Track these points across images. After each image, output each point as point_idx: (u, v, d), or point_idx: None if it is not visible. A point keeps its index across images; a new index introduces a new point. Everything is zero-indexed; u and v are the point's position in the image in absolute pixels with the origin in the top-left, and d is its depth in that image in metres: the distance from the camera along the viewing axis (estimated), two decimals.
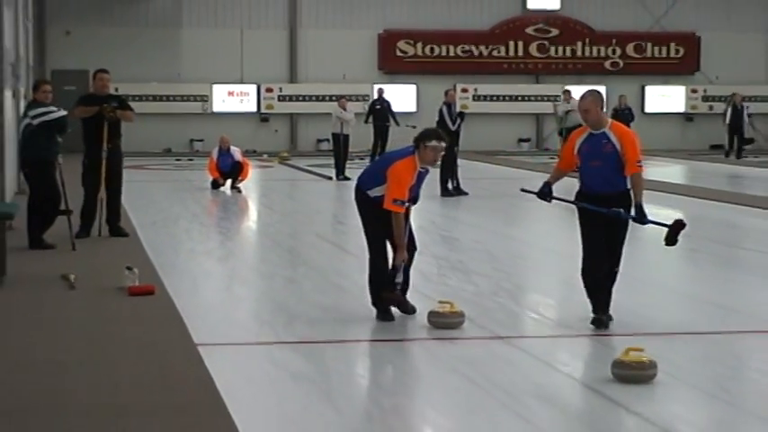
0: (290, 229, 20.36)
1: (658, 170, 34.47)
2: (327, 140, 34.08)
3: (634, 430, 7.95)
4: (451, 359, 9.86)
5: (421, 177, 11.32)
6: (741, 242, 17.54)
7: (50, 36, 40.21)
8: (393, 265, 11.26)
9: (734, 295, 13.48)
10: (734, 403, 8.75)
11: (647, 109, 43.75)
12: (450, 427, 8.05)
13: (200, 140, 39.97)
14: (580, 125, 11.10)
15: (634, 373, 8.89)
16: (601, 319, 10.82)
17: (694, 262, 15.64)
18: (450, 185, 25.35)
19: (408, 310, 11.44)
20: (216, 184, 26.66)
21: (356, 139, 32.32)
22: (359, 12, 42.35)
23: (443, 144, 11.30)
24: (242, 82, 42.00)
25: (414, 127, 37.64)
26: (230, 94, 41.97)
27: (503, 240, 18.80)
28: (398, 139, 36.80)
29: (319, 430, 7.81)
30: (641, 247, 16.07)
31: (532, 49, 43.82)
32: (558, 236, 18.64)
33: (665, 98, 44.48)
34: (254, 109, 42.19)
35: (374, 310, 11.18)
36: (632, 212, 10.82)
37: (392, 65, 42.74)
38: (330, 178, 30.07)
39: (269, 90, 42.15)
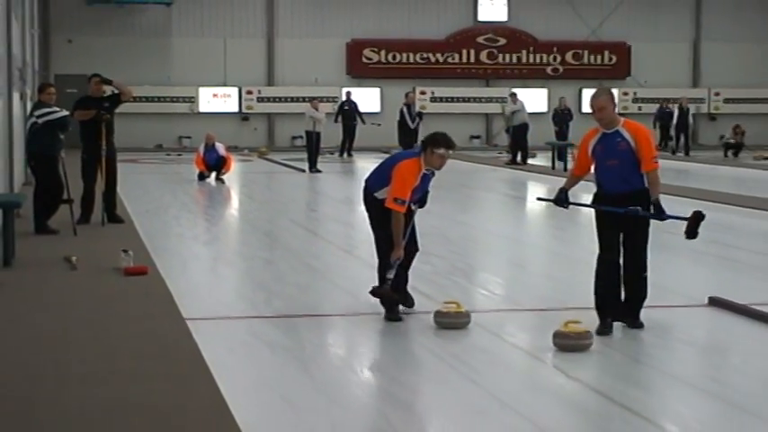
0: (268, 216, 20.32)
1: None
2: (301, 137, 34.03)
3: (573, 394, 7.96)
4: (410, 330, 9.87)
5: (426, 179, 10.27)
6: (670, 227, 17.55)
7: (54, 44, 40.04)
8: (388, 263, 10.26)
9: (662, 274, 13.51)
10: (659, 368, 8.79)
11: (584, 109, 43.79)
12: (408, 389, 8.04)
13: (188, 137, 39.88)
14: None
15: (573, 343, 8.93)
16: (604, 330, 9.54)
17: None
18: None
19: (406, 303, 10.53)
20: (202, 176, 26.64)
21: (327, 137, 32.58)
22: (329, 23, 42.31)
23: (451, 152, 10.18)
24: (225, 85, 41.95)
25: (378, 125, 37.80)
26: (215, 95, 41.94)
27: (457, 226, 18.81)
28: (365, 135, 37.07)
29: (294, 394, 7.80)
30: (579, 230, 16.13)
31: (483, 56, 43.87)
32: (506, 222, 18.70)
33: None
34: (236, 109, 42.18)
35: (371, 299, 10.78)
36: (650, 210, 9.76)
37: (359, 70, 42.76)
38: (303, 171, 30.04)
39: (249, 92, 42.19)
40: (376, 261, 10.49)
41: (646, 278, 9.85)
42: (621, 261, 9.79)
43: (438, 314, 9.87)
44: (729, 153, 37.28)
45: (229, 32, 41.77)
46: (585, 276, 12.86)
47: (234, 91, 42.12)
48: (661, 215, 9.74)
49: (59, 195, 16.20)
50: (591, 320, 9.28)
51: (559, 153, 30.68)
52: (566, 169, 28.54)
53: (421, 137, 25.87)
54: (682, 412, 7.53)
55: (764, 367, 8.69)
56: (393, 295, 10.17)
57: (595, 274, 9.83)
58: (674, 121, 38.45)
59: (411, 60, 43.33)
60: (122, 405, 7.33)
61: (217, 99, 41.97)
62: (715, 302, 10.91)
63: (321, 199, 24.83)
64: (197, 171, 26.83)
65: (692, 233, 9.89)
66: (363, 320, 10.63)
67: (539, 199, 11.94)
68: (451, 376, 8.29)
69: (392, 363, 9.00)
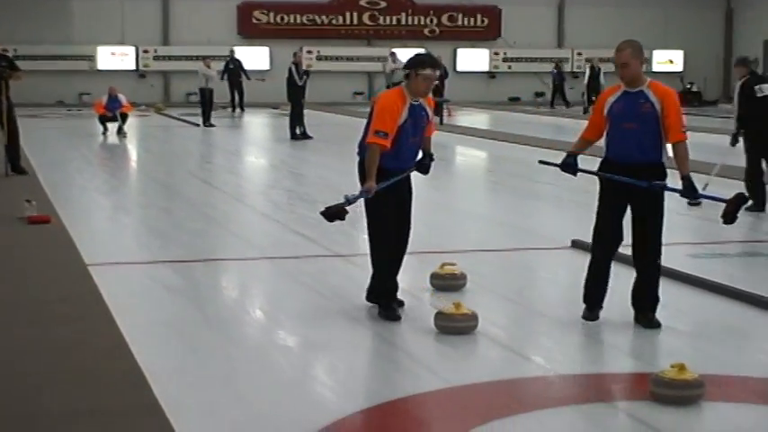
0: (165, 168, 20.13)
1: (468, 118, 34.82)
2: (195, 94, 33.71)
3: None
4: (300, 274, 9.87)
5: (417, 114, 8.08)
6: (536, 177, 17.79)
7: None
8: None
9: (528, 219, 13.70)
10: (527, 306, 8.92)
11: (459, 68, 43.97)
12: (299, 329, 8.06)
13: (88, 94, 39.19)
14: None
15: (448, 283, 9.01)
16: (592, 315, 8.02)
17: (496, 192, 15.85)
18: (297, 131, 25.29)
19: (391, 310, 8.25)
20: (103, 119, 26.43)
21: (219, 93, 32.49)
22: None
23: (437, 73, 8.15)
24: (123, 44, 41.37)
25: (263, 80, 37.57)
26: (113, 54, 41.40)
27: (342, 175, 18.79)
28: (256, 92, 36.84)
29: (189, 332, 7.77)
30: (451, 179, 16.24)
31: (365, 18, 43.78)
32: None
33: (473, 59, 44.81)
34: (134, 67, 41.69)
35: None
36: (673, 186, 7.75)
37: (249, 30, 42.45)
38: (198, 125, 29.82)
39: (146, 51, 41.71)
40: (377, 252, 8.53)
41: (659, 266, 7.95)
42: (631, 249, 8.03)
43: (440, 317, 7.70)
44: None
45: None
46: (460, 222, 13.00)
47: (131, 50, 41.59)
48: (693, 193, 7.65)
49: None
50: (465, 262, 9.34)
51: (435, 107, 30.75)
52: (442, 122, 28.70)
53: (308, 93, 25.94)
54: (548, 346, 7.65)
55: (621, 303, 8.85)
56: (342, 208, 8.23)
57: (588, 267, 8.23)
58: (586, 80, 38.26)
59: (298, 22, 43.10)
60: (25, 345, 7.23)
61: (115, 57, 41.42)
62: (577, 245, 11.06)
63: (215, 151, 24.66)
64: (101, 127, 26.48)
65: (731, 217, 7.52)
66: (255, 264, 10.63)
67: (541, 162, 9.43)
68: (336, 315, 8.31)
69: (281, 303, 9.00)
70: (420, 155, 8.43)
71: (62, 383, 6.42)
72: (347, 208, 8.19)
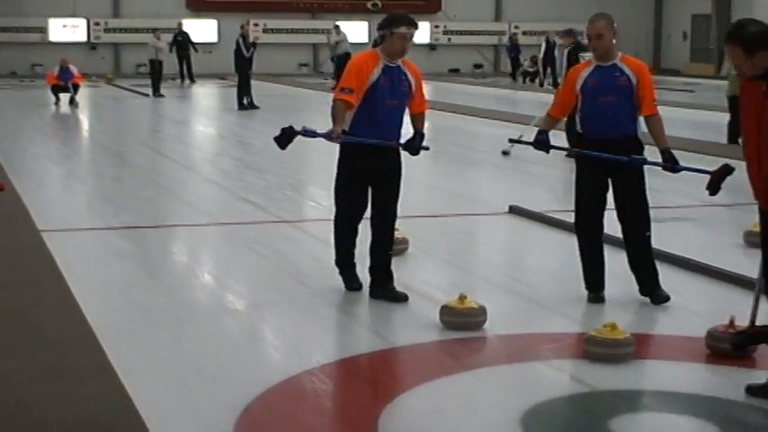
0: (116, 137, 19.95)
1: None
2: (145, 65, 33.43)
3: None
4: (249, 240, 9.83)
5: (395, 77, 7.43)
6: (474, 145, 17.84)
7: None
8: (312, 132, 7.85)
9: (467, 186, 13.74)
10: (466, 269, 8.95)
11: None
12: (247, 292, 8.05)
13: (40, 65, 38.72)
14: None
15: (395, 248, 8.99)
16: (598, 297, 7.49)
17: (437, 160, 15.83)
18: (245, 101, 25.15)
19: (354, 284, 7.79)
20: (55, 89, 26.10)
21: (168, 64, 32.27)
22: None
23: (414, 31, 7.56)
24: (74, 16, 40.91)
25: (210, 52, 37.31)
26: (64, 26, 40.96)
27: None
28: (205, 63, 36.61)
29: (142, 297, 7.72)
30: None
31: None
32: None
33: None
34: (85, 39, 41.29)
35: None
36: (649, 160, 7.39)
37: (197, 4, 42.13)
38: (147, 96, 29.58)
39: (97, 23, 41.33)
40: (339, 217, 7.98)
41: (649, 237, 7.49)
42: (620, 226, 7.56)
43: (446, 311, 6.91)
44: (527, 80, 37.80)
45: None
46: (402, 189, 12.99)
47: (82, 22, 41.18)
48: (675, 166, 7.21)
49: None
50: (406, 227, 9.33)
51: None
52: None
53: (255, 65, 25.79)
54: (488, 308, 7.69)
55: (556, 266, 8.92)
56: (293, 132, 7.80)
57: (579, 252, 7.64)
58: (541, 54, 37.49)
59: None
60: None
61: (66, 29, 40.98)
62: (514, 210, 11.12)
63: (164, 121, 24.47)
64: (53, 97, 26.18)
65: (715, 188, 6.60)
66: (204, 230, 10.59)
67: (511, 141, 9.15)
68: (283, 280, 8.30)
69: (230, 268, 8.98)
70: (411, 134, 7.69)
71: (16, 345, 6.38)
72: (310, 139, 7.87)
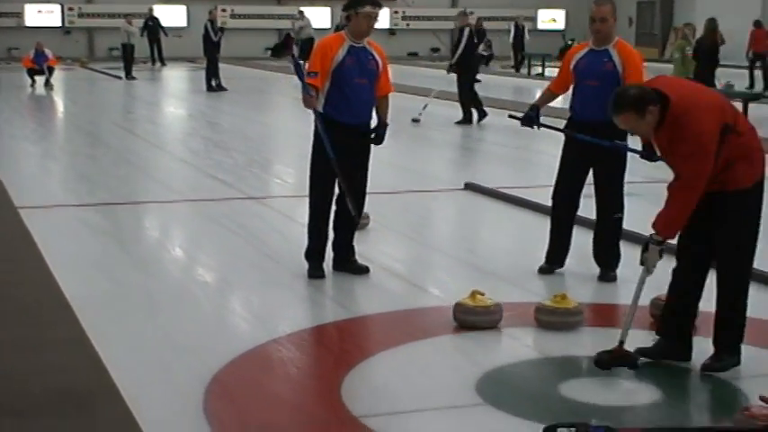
0: (90, 118, 19.77)
1: None
2: (117, 49, 33.16)
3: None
4: (217, 215, 9.78)
5: (359, 54, 7.26)
6: (433, 125, 17.83)
7: None
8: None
9: (424, 163, 13.74)
10: (424, 242, 8.98)
11: None
12: (216, 266, 8.03)
13: (16, 48, 38.32)
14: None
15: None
16: (549, 269, 7.51)
17: (396, 139, 15.79)
18: (213, 83, 25.01)
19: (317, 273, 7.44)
20: (31, 72, 25.94)
21: (140, 48, 32.06)
22: None
23: (378, 10, 7.29)
24: (49, 2, 40.51)
25: (180, 36, 37.04)
26: (39, 12, 40.52)
27: (255, 125, 18.70)
28: (174, 47, 36.36)
29: (114, 269, 7.68)
30: None
31: None
32: (297, 121, 18.59)
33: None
34: (59, 24, 40.85)
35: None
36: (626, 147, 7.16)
37: None
38: (120, 78, 29.35)
39: (71, 9, 40.89)
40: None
41: (619, 220, 7.42)
42: (594, 202, 7.51)
43: (461, 309, 6.28)
44: (482, 63, 37.79)
45: None
46: None
47: (57, 7, 40.72)
48: (652, 156, 6.36)
49: None
50: (367, 204, 9.32)
51: None
52: None
53: (223, 49, 25.65)
54: (444, 279, 7.71)
55: (508, 239, 8.96)
56: (290, 42, 7.70)
57: (549, 228, 7.62)
58: (511, 39, 37.03)
59: None
60: None
61: (41, 14, 40.55)
62: (469, 187, 11.13)
63: (136, 102, 24.28)
64: (29, 80, 25.97)
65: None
66: (175, 207, 10.53)
67: (510, 116, 8.26)
68: (250, 253, 8.28)
69: (199, 242, 8.95)
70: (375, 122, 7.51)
71: None
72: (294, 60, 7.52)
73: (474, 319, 6.19)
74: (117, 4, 39.81)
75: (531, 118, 7.51)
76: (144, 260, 8.10)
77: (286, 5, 42.92)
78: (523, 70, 35.03)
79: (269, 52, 42.11)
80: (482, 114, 17.92)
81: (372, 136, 7.45)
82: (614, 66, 7.17)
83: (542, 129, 7.63)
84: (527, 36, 36.22)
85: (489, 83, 27.00)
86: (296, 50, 7.40)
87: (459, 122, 17.82)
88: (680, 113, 5.22)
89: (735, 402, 5.06)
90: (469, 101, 17.92)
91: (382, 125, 7.50)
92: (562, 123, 7.58)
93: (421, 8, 44.55)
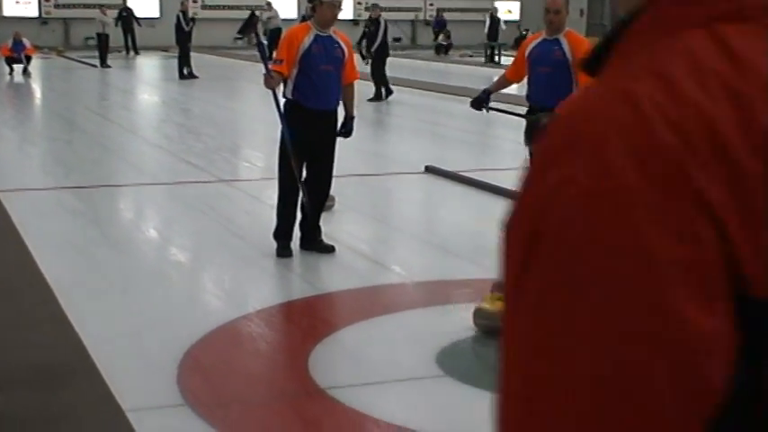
0: (66, 105, 19.60)
1: None
2: (93, 38, 32.89)
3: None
4: (190, 198, 9.74)
5: (325, 42, 7.31)
6: (393, 111, 17.85)
7: None
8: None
9: (386, 147, 13.74)
10: (387, 223, 8.98)
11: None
12: (188, 246, 8.00)
13: None
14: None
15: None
16: None
17: (358, 124, 15.79)
18: (185, 71, 24.86)
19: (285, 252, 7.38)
20: (9, 61, 25.70)
21: (114, 37, 31.81)
22: None
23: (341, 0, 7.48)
24: None
25: (152, 27, 36.77)
26: (17, 2, 40.07)
27: (225, 111, 18.60)
28: (148, 37, 36.11)
29: (90, 249, 7.63)
30: None
31: None
32: (264, 107, 18.54)
33: None
34: (36, 14, 40.43)
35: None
36: None
37: None
38: (95, 66, 29.11)
39: (47, 0, 40.50)
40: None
41: None
42: None
43: (481, 314, 5.69)
44: (441, 52, 37.79)
45: None
46: None
47: None
48: None
49: None
50: (336, 186, 9.31)
51: None
52: None
53: (194, 38, 25.49)
54: (406, 257, 7.73)
55: (467, 220, 8.97)
56: (255, 21, 7.76)
57: None
58: (486, 30, 36.43)
59: None
60: None
61: (19, 5, 40.10)
62: (430, 170, 11.14)
63: (111, 90, 24.10)
64: (7, 68, 25.71)
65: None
66: (148, 189, 10.47)
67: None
68: (221, 233, 8.25)
69: (172, 224, 8.91)
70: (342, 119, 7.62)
71: None
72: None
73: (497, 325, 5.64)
74: None
75: (479, 99, 7.53)
76: (119, 241, 8.05)
77: None
78: (480, 58, 34.98)
79: (238, 42, 42.16)
80: (389, 92, 19.43)
81: (342, 130, 7.53)
82: (563, 54, 7.19)
83: (491, 112, 7.66)
84: (503, 26, 36.19)
85: (447, 71, 26.99)
86: (261, 29, 7.43)
87: (371, 99, 18.93)
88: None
89: None
90: (381, 81, 19.49)
91: (350, 118, 7.57)
92: (515, 109, 7.60)
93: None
